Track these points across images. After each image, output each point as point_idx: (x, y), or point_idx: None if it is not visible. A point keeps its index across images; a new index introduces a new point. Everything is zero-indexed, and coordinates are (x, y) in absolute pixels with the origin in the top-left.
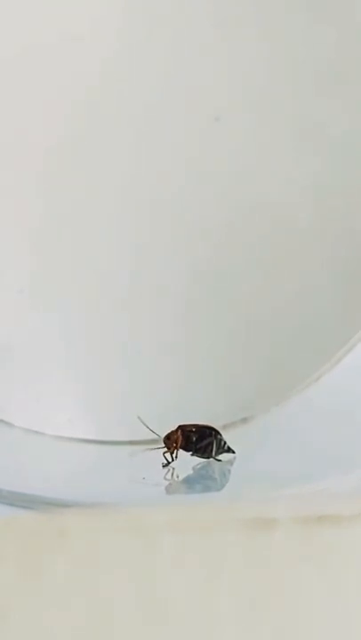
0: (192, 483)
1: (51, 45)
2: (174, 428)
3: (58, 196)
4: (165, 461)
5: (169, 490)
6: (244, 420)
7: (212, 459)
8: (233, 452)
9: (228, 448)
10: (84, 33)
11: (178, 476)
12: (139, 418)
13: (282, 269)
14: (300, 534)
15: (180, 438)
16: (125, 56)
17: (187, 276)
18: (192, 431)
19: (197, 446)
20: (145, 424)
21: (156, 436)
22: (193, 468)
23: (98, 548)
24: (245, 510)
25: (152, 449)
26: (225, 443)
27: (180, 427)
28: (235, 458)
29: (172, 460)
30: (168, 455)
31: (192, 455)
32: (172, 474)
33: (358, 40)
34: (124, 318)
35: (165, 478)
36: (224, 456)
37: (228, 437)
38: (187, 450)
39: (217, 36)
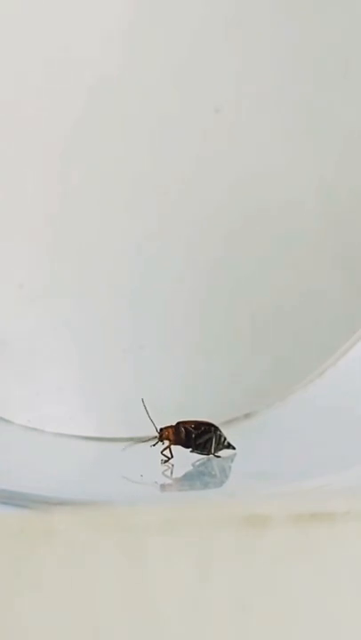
0: (191, 479)
1: (50, 38)
2: (174, 424)
3: (58, 190)
4: (164, 458)
5: (167, 487)
6: (248, 416)
7: (212, 455)
8: (233, 449)
9: (229, 444)
10: (84, 23)
11: (172, 473)
12: (142, 401)
13: (286, 265)
14: (294, 531)
15: (174, 433)
16: (124, 50)
17: (189, 270)
18: (191, 427)
19: (197, 442)
20: (147, 411)
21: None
22: (193, 465)
23: (88, 548)
24: (239, 508)
25: (145, 440)
26: (225, 439)
27: (178, 423)
28: (235, 454)
29: (170, 457)
30: (166, 452)
31: (192, 452)
32: (171, 471)
33: None
34: (126, 313)
35: (164, 475)
36: (224, 452)
37: (230, 433)
38: (186, 446)
39: (217, 27)
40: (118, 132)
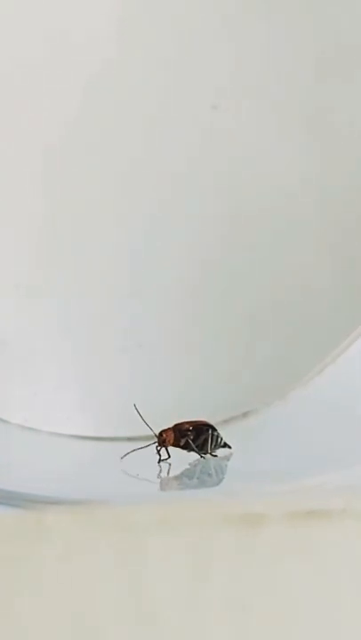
0: (188, 478)
1: (50, 34)
2: (171, 425)
3: (56, 190)
4: (162, 457)
5: (164, 486)
6: (246, 414)
7: (208, 454)
8: (230, 448)
9: (225, 444)
10: (82, 20)
11: (169, 473)
12: (134, 407)
13: (285, 263)
14: (290, 529)
15: (173, 436)
16: (119, 46)
17: (187, 269)
18: (188, 429)
19: (194, 443)
20: (142, 418)
21: (152, 430)
22: (189, 464)
23: (86, 548)
24: (235, 506)
25: (143, 447)
26: (221, 438)
27: (176, 425)
28: (231, 453)
29: (168, 457)
30: (162, 452)
31: (189, 451)
32: (168, 470)
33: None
34: (123, 313)
35: (161, 475)
36: (221, 451)
37: (229, 432)
38: (183, 447)
39: (215, 24)
40: (115, 132)
